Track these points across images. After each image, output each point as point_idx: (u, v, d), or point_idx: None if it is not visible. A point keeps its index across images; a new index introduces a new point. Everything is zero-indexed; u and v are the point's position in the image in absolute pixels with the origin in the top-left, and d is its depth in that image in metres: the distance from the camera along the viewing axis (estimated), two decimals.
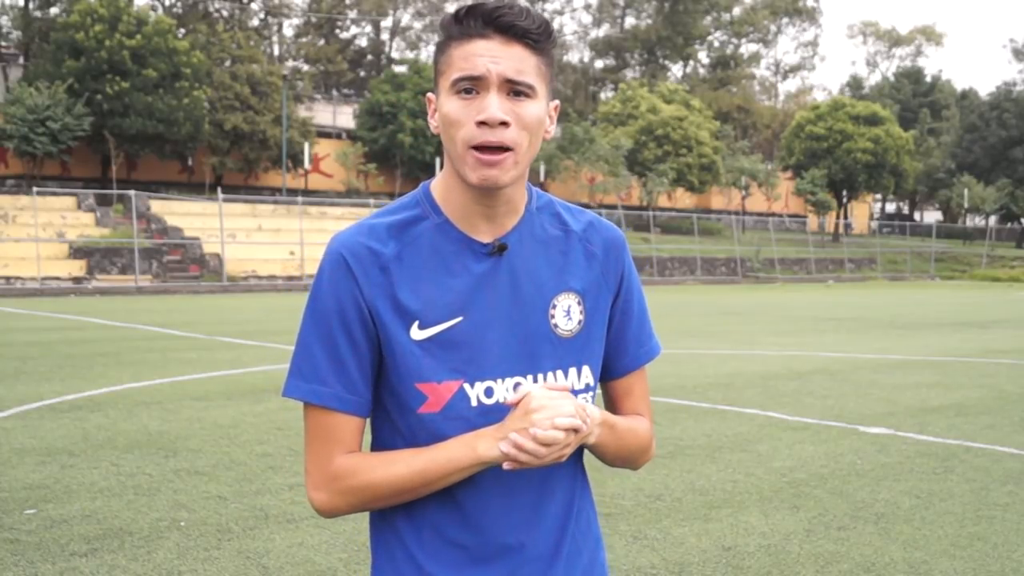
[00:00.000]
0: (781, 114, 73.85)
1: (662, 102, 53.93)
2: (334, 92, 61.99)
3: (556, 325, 1.54)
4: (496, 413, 1.48)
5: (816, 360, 12.45)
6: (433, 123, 1.50)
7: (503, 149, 1.41)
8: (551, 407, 1.40)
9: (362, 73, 65.92)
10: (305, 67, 59.65)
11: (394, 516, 1.53)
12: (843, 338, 15.87)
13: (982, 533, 4.92)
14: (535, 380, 1.51)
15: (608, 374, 1.64)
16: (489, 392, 1.49)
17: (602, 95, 71.15)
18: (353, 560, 4.45)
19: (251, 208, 37.70)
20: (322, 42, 62.28)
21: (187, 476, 5.91)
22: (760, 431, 7.55)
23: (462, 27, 1.42)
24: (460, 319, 1.48)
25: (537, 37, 1.43)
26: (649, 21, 72.01)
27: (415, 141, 45.00)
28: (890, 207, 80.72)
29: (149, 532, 4.81)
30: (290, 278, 33.53)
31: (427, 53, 63.26)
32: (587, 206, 44.91)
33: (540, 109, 1.45)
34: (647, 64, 73.31)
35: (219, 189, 36.56)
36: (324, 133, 48.34)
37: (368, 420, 1.54)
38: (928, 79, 77.45)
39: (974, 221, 71.69)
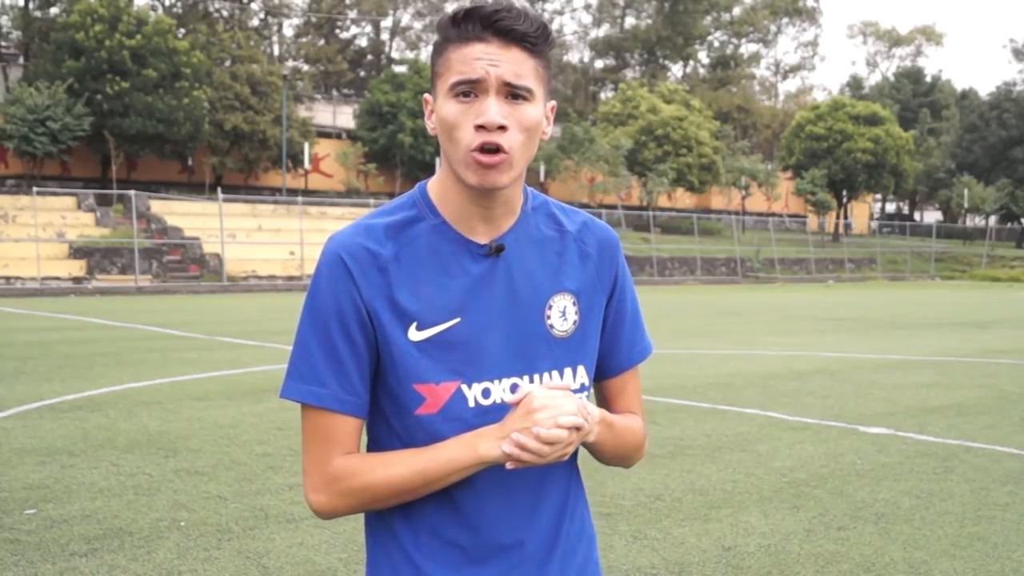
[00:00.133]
0: (781, 114, 73.85)
1: (662, 102, 53.92)
2: (334, 92, 61.99)
3: (552, 326, 1.54)
4: (493, 414, 1.48)
5: (816, 360, 12.45)
6: (430, 124, 1.50)
7: (502, 152, 1.41)
8: (554, 406, 1.41)
9: (362, 73, 65.93)
10: (305, 67, 59.68)
11: (391, 516, 1.53)
12: (843, 338, 15.87)
13: (982, 533, 4.93)
14: (531, 381, 1.52)
15: (602, 373, 1.65)
16: (486, 393, 1.49)
17: (602, 95, 71.16)
18: (353, 560, 4.46)
19: (251, 208, 37.71)
20: (322, 42, 62.29)
21: (187, 476, 5.91)
22: (760, 431, 7.56)
23: (460, 30, 1.42)
24: (458, 320, 1.49)
25: (535, 40, 1.42)
26: (649, 21, 72.01)
27: (415, 141, 44.99)
28: (890, 207, 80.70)
29: (149, 532, 4.81)
30: (290, 278, 33.53)
31: (427, 53, 63.14)
32: (587, 206, 44.93)
33: (538, 111, 1.45)
34: (647, 64, 73.31)
35: (219, 189, 36.56)
36: (324, 133, 48.34)
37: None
38: (928, 79, 77.45)
39: (974, 221, 71.68)
